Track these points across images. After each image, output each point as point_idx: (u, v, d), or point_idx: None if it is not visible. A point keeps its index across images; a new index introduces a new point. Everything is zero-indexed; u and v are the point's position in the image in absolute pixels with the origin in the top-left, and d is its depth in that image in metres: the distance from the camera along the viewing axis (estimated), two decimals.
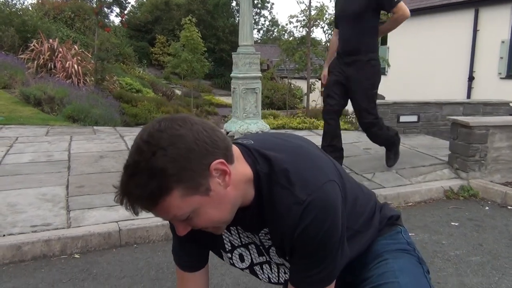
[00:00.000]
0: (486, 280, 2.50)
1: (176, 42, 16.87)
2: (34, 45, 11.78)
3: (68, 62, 11.15)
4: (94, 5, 14.83)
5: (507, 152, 4.08)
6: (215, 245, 1.18)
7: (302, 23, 11.09)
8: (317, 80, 11.60)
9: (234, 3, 44.91)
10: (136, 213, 0.90)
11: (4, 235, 2.77)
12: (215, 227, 1.00)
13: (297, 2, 10.13)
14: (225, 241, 1.16)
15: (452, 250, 2.90)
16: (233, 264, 1.19)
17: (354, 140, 5.73)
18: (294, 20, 11.26)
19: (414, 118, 5.92)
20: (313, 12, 9.94)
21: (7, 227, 2.88)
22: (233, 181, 0.93)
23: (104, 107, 8.38)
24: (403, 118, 5.84)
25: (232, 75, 6.08)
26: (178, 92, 21.42)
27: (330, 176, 0.99)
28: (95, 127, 7.05)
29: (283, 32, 12.43)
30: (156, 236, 3.02)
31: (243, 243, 1.15)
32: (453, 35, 11.70)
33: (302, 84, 22.44)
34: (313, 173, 0.98)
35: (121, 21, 15.01)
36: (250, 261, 1.17)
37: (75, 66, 11.15)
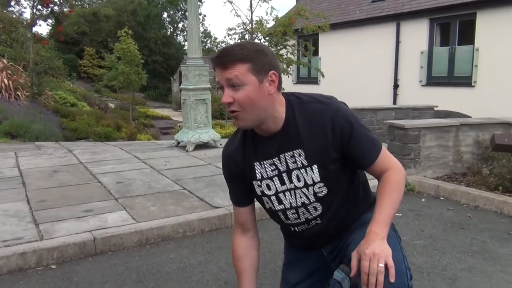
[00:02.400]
0: (430, 259, 2.91)
1: (110, 54, 16.55)
2: None
3: None
4: (20, 16, 14.18)
5: (436, 150, 4.65)
6: (251, 176, 1.53)
7: (240, 35, 11.49)
8: None
9: (165, 15, 44.62)
10: (223, 64, 1.32)
11: None
12: (240, 114, 1.35)
13: (235, 15, 10.46)
14: (256, 172, 1.51)
15: None
16: (263, 192, 1.53)
17: None
18: (232, 32, 11.63)
19: None
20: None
21: None
22: (273, 96, 1.37)
23: (44, 122, 8.12)
24: None
25: (181, 87, 6.24)
26: (111, 105, 20.89)
27: None
28: (37, 143, 6.84)
29: (221, 44, 12.71)
30: (130, 242, 3.12)
31: (269, 176, 1.50)
32: (379, 47, 12.67)
33: None
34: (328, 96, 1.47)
35: (58, 33, 14.43)
36: (275, 190, 1.51)
37: (5, 80, 10.62)
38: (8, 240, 2.91)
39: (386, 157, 1.44)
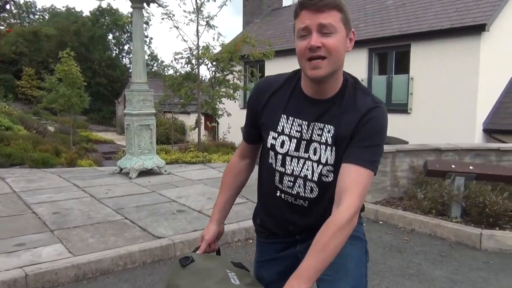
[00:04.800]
0: (370, 283, 2.98)
1: (50, 75, 15.93)
2: None
3: None
4: None
5: (375, 176, 4.84)
6: (271, 125, 1.48)
7: (187, 60, 11.47)
8: (202, 114, 12.04)
9: (110, 36, 43.87)
10: (319, 8, 1.29)
11: None
12: (323, 62, 1.31)
13: (182, 40, 10.47)
14: (279, 124, 1.46)
15: None
16: (273, 146, 1.47)
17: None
18: (178, 57, 11.60)
19: None
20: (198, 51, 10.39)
21: None
22: (344, 57, 1.37)
23: None
24: None
25: (125, 111, 6.11)
26: (51, 128, 19.99)
27: None
28: None
29: (168, 68, 12.61)
30: (66, 278, 2.96)
31: (289, 134, 1.44)
32: None
33: (184, 119, 22.75)
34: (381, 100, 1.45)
35: None
36: (287, 150, 1.45)
37: None
38: None
39: (357, 182, 1.31)
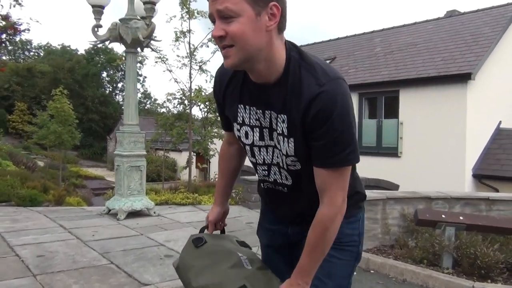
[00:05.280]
0: None
1: (43, 111, 15.97)
2: None
3: None
4: None
5: (366, 223, 4.81)
6: (233, 116, 1.44)
7: (180, 100, 11.61)
8: (194, 154, 12.05)
9: (104, 74, 44.41)
10: None
11: None
12: (230, 51, 1.21)
13: (175, 81, 10.62)
14: (238, 115, 1.41)
15: None
16: (240, 137, 1.45)
17: (236, 214, 6.09)
18: (171, 97, 11.73)
19: None
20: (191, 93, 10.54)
21: None
22: (272, 35, 1.22)
23: None
24: None
25: (115, 152, 6.09)
26: (40, 163, 19.81)
27: (344, 80, 1.27)
28: None
29: (161, 107, 12.76)
30: None
31: (251, 124, 1.40)
32: None
33: (176, 156, 22.72)
34: (333, 70, 1.28)
35: None
36: (251, 141, 1.42)
37: None
38: None
39: (331, 182, 1.30)
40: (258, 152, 1.43)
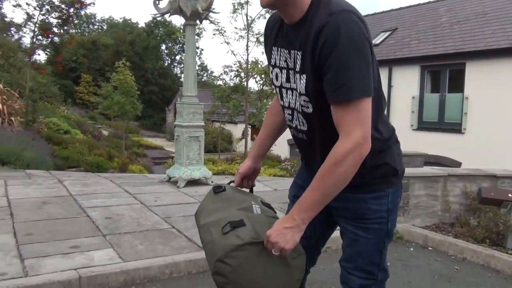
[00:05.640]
0: None
1: (107, 83, 16.73)
2: None
3: None
4: (19, 42, 14.37)
5: (425, 199, 4.71)
6: (269, 59, 1.51)
7: (236, 73, 11.71)
8: (250, 126, 12.19)
9: (163, 47, 45.44)
10: None
11: None
12: None
13: (232, 54, 10.71)
14: (272, 57, 1.48)
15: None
16: (272, 81, 1.52)
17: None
18: (228, 69, 11.86)
19: None
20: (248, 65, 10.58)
21: None
22: None
23: (35, 149, 8.10)
24: None
25: (175, 123, 6.30)
26: (105, 132, 20.89)
27: (357, 14, 1.27)
28: (27, 171, 6.80)
29: (218, 79, 12.96)
30: (116, 282, 3.08)
31: (280, 65, 1.45)
32: None
33: (232, 128, 23.09)
34: (347, 4, 1.29)
35: (56, 63, 14.60)
36: (280, 83, 1.47)
37: (0, 105, 10.65)
38: None
39: (349, 115, 1.26)
40: (286, 95, 1.47)
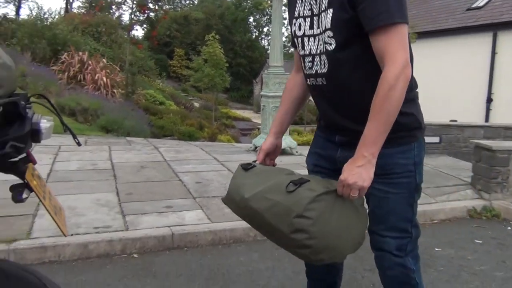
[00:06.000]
0: None
1: (198, 56, 17.37)
2: (65, 58, 12.32)
3: (97, 75, 11.65)
4: (119, 19, 15.43)
5: None
6: (292, 14, 1.57)
7: None
8: None
9: (251, 19, 45.74)
10: None
11: (71, 234, 3.09)
12: None
13: None
14: (295, 10, 1.54)
15: (477, 265, 3.14)
16: (295, 32, 1.57)
17: None
18: None
19: (436, 139, 6.18)
20: None
21: (73, 227, 3.21)
22: None
23: (135, 119, 8.78)
24: (425, 139, 6.09)
25: (262, 93, 6.41)
26: (196, 104, 21.88)
27: None
28: (128, 138, 7.43)
29: None
30: (204, 241, 3.31)
31: (304, 15, 1.51)
32: (471, 58, 11.94)
33: None
34: None
35: (152, 38, 15.51)
36: (303, 31, 1.52)
37: (104, 78, 11.64)
38: (98, 228, 3.24)
39: (391, 39, 1.30)
40: (307, 42, 1.51)
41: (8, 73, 1.16)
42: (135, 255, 3.08)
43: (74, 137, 1.32)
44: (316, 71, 1.50)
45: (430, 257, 3.22)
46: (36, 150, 5.49)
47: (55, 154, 5.50)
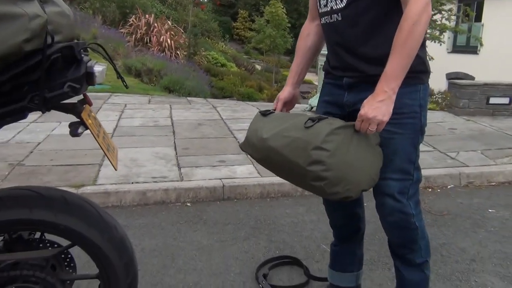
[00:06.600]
0: None
1: (260, 17, 17.24)
2: (132, 20, 12.79)
3: (162, 37, 12.01)
4: None
5: None
6: None
7: None
8: None
9: None
10: None
11: (132, 183, 3.37)
12: None
13: None
14: None
15: None
16: None
17: (439, 120, 5.76)
18: None
19: (505, 100, 5.78)
20: None
21: (133, 176, 3.49)
22: None
23: (196, 80, 9.04)
24: (493, 100, 5.74)
25: (321, 52, 6.31)
26: (258, 67, 21.89)
27: None
28: (188, 98, 7.70)
29: None
30: (253, 193, 3.45)
31: None
32: None
33: None
34: None
35: None
36: None
37: (168, 40, 11.99)
38: (156, 177, 3.49)
39: None
40: None
41: (66, 20, 1.31)
42: (188, 204, 3.30)
43: (123, 81, 1.45)
44: (331, 7, 1.51)
45: (482, 217, 3.13)
46: (104, 108, 5.92)
47: (121, 112, 5.87)
